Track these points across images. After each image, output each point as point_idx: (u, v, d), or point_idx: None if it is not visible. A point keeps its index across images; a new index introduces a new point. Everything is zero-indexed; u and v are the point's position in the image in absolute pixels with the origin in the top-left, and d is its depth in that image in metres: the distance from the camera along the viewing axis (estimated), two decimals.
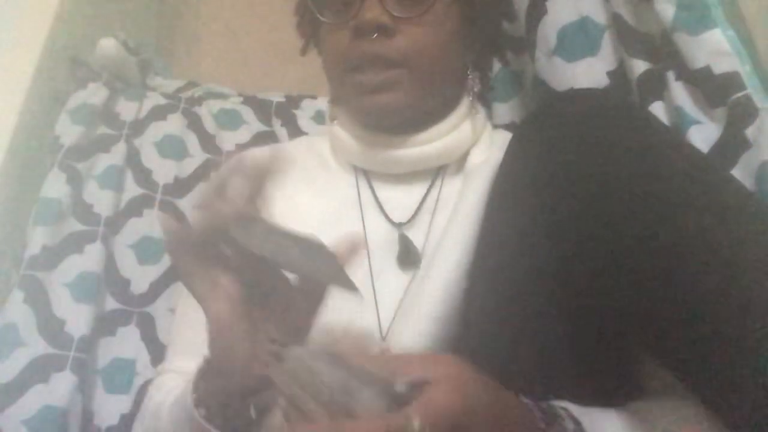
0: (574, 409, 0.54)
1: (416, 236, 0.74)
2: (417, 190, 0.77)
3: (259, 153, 0.87)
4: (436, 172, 0.78)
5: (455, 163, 0.78)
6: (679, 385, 0.54)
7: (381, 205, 0.76)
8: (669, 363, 0.53)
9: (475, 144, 0.78)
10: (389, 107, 0.72)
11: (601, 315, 0.54)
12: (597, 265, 0.53)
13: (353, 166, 0.80)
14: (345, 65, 0.73)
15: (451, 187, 0.76)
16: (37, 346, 0.84)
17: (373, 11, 0.69)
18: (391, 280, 0.71)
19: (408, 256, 0.72)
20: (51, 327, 0.86)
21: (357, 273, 0.71)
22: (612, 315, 0.54)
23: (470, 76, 0.79)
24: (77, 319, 0.87)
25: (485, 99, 0.91)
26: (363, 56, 0.71)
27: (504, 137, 0.75)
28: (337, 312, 0.69)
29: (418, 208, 0.76)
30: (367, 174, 0.79)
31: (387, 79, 0.71)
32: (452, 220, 0.70)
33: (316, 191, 0.78)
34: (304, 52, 0.84)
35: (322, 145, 0.84)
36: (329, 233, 0.74)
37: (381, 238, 0.74)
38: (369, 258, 0.72)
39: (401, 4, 0.70)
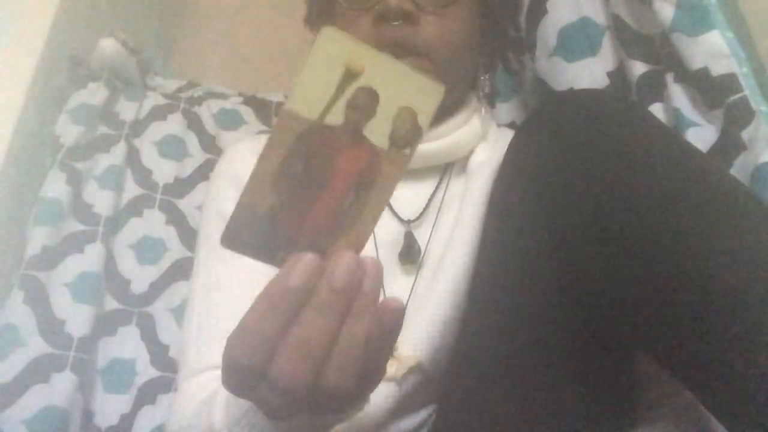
0: None
1: (424, 234, 0.74)
2: (425, 188, 0.77)
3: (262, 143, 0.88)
4: (443, 169, 0.78)
5: (461, 161, 0.78)
6: (680, 398, 0.54)
7: (390, 203, 0.76)
8: (671, 366, 0.52)
9: (482, 141, 0.78)
10: None
11: (604, 316, 0.54)
12: (598, 265, 0.53)
13: None
14: None
15: (456, 185, 0.76)
16: (37, 346, 0.84)
17: None
18: (399, 277, 0.72)
19: (409, 254, 0.72)
20: (51, 327, 0.86)
21: None
22: (615, 316, 0.54)
23: (482, 78, 0.79)
24: (77, 319, 0.87)
25: (492, 100, 0.91)
26: (384, 42, 0.70)
27: (507, 135, 0.76)
28: None
29: (427, 206, 0.76)
30: None
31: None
32: (458, 220, 0.70)
33: None
34: None
35: None
36: None
37: (389, 236, 0.74)
38: (378, 255, 0.72)
39: None
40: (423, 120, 0.39)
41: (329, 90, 0.38)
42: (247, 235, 0.40)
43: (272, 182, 0.39)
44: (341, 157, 0.39)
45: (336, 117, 0.38)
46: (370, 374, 0.40)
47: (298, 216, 0.40)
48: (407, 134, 0.39)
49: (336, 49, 0.38)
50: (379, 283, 0.39)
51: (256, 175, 0.39)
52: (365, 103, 0.38)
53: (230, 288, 0.72)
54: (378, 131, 0.39)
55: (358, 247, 0.41)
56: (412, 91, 0.39)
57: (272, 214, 0.39)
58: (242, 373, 0.39)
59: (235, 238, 0.40)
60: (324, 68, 0.38)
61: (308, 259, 0.38)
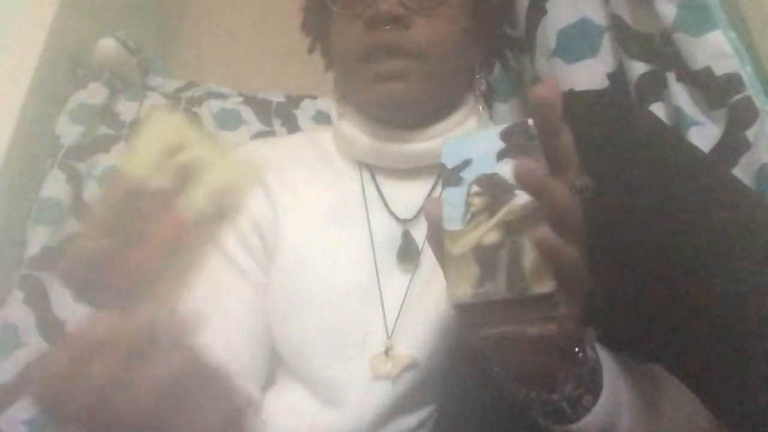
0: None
1: (420, 233, 0.74)
2: (421, 187, 0.77)
3: (260, 146, 0.88)
4: (440, 168, 0.78)
5: None
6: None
7: (386, 201, 0.76)
8: (670, 365, 0.53)
9: None
10: (398, 97, 0.71)
11: (603, 317, 0.54)
12: (598, 265, 0.53)
13: (357, 161, 0.80)
14: (356, 55, 0.72)
15: None
16: (37, 347, 0.84)
17: (387, 2, 0.69)
18: (396, 276, 0.72)
19: (407, 252, 0.72)
20: (51, 327, 0.86)
21: (363, 270, 0.71)
22: (615, 317, 0.54)
23: (477, 77, 0.79)
24: (77, 319, 0.87)
25: (488, 100, 0.91)
26: (375, 46, 0.70)
27: None
28: (344, 309, 0.69)
29: (423, 205, 0.76)
30: (371, 169, 0.79)
31: (397, 67, 0.70)
32: None
33: (320, 186, 0.78)
34: (311, 50, 0.84)
35: (325, 139, 0.84)
36: (334, 229, 0.75)
37: (385, 235, 0.74)
38: (374, 254, 0.72)
39: None
40: (239, 197, 0.45)
41: (157, 158, 0.45)
42: (79, 274, 0.45)
43: (99, 232, 0.45)
44: (153, 222, 0.45)
45: (160, 183, 0.45)
46: None
47: (117, 267, 0.45)
48: (222, 209, 0.45)
49: (167, 126, 0.46)
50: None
51: (89, 222, 0.46)
52: (186, 175, 0.45)
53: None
54: (196, 201, 0.45)
55: (166, 303, 0.45)
56: (231, 170, 0.46)
57: (96, 262, 0.45)
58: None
59: (71, 275, 0.45)
60: (155, 140, 0.45)
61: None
